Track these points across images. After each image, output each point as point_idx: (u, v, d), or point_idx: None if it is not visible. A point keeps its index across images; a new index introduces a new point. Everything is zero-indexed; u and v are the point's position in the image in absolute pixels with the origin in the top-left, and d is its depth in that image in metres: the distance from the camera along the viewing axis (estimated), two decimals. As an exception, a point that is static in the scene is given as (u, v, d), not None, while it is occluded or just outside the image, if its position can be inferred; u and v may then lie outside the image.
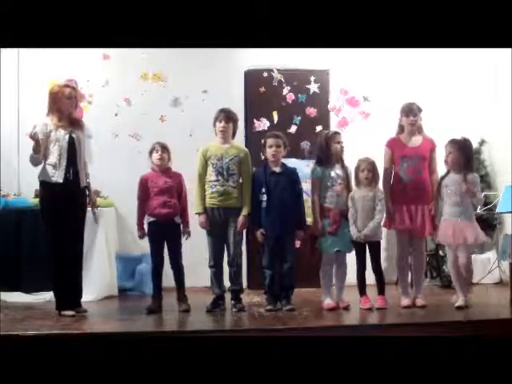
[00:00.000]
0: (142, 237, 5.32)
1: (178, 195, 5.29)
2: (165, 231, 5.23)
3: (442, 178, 5.21)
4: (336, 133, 5.44)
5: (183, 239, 5.31)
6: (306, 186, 5.66)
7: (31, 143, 4.81)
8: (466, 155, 5.15)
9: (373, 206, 5.19)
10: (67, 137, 4.98)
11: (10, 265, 5.78)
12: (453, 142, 5.20)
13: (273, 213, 5.17)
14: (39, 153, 4.88)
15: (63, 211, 4.91)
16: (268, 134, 5.47)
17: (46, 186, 5.00)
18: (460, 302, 5.13)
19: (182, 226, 5.30)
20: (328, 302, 5.23)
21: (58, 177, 4.94)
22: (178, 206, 5.26)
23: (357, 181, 5.28)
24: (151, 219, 5.25)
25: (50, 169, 4.96)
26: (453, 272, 5.23)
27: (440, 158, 5.37)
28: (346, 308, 5.17)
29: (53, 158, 4.95)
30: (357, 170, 5.26)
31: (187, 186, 5.37)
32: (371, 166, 5.23)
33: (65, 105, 5.00)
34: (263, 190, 5.20)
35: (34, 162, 4.96)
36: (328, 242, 5.20)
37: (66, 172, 4.94)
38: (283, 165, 5.31)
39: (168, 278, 5.32)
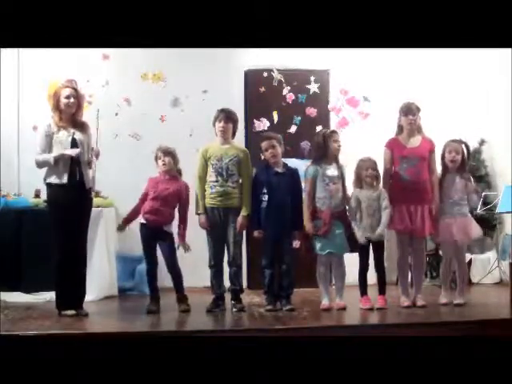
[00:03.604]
0: (120, 229, 5.33)
1: (179, 204, 5.26)
2: (155, 236, 5.22)
3: (442, 178, 5.30)
4: (334, 131, 5.43)
5: (182, 252, 5.26)
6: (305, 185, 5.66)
7: (32, 143, 4.82)
8: (464, 156, 5.33)
9: (377, 206, 5.18)
10: (70, 139, 4.98)
11: (9, 265, 5.78)
12: (460, 142, 5.35)
13: (274, 213, 5.17)
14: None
15: (69, 212, 4.92)
16: (261, 137, 5.46)
17: (51, 187, 5.02)
18: (444, 299, 5.34)
19: (177, 236, 5.24)
20: (324, 302, 5.23)
21: (62, 178, 4.95)
22: (172, 215, 5.21)
23: (358, 181, 5.26)
24: (142, 221, 5.25)
25: (54, 170, 4.97)
26: (445, 270, 5.39)
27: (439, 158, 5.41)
28: (342, 309, 5.16)
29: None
30: (359, 169, 5.25)
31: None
32: (375, 165, 5.24)
33: (64, 105, 5.00)
34: (264, 190, 5.20)
35: (42, 166, 4.99)
36: (320, 243, 5.19)
37: (70, 173, 4.95)
38: (285, 165, 5.31)
39: (168, 277, 5.32)
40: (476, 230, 5.31)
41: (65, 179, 4.95)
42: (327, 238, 5.17)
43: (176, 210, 5.28)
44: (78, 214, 5.00)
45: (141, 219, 5.26)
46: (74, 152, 4.91)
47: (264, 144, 5.27)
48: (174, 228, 5.27)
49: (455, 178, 5.27)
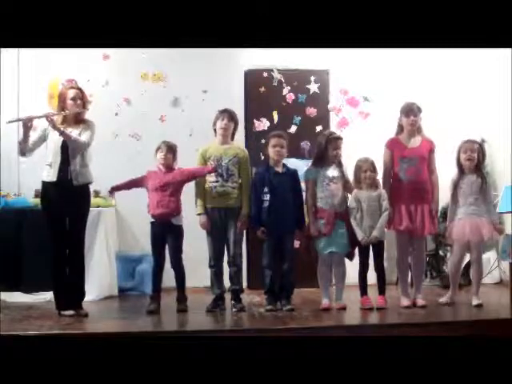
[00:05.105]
0: (110, 192, 5.48)
1: (179, 187, 5.23)
2: (164, 232, 5.22)
3: (458, 179, 5.27)
4: (339, 138, 5.35)
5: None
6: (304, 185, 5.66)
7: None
8: (480, 155, 5.31)
9: (378, 206, 5.18)
10: (62, 139, 4.96)
11: (9, 265, 5.78)
12: (475, 141, 5.33)
13: (275, 212, 5.16)
14: (26, 142, 4.92)
15: (61, 210, 4.93)
16: (271, 133, 5.43)
17: (43, 185, 5.04)
18: (445, 298, 5.31)
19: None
20: (324, 302, 5.23)
21: (52, 176, 4.95)
22: (177, 206, 5.21)
23: (357, 182, 5.26)
24: (152, 219, 5.26)
25: (47, 168, 4.98)
26: (453, 271, 5.35)
27: (440, 158, 5.41)
28: (341, 309, 5.16)
29: (48, 158, 4.98)
30: (358, 170, 5.25)
31: (187, 185, 5.35)
32: (373, 166, 5.24)
33: (69, 106, 5.00)
34: (266, 190, 5.19)
35: (20, 151, 5.01)
36: (322, 243, 5.19)
37: (60, 171, 4.94)
38: (284, 165, 5.31)
39: (168, 277, 5.32)
40: (488, 231, 5.19)
41: (54, 177, 4.94)
42: (330, 238, 5.17)
43: (181, 200, 5.26)
44: (70, 212, 4.98)
45: (151, 219, 5.26)
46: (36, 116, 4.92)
47: (274, 140, 5.25)
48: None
49: (472, 179, 5.22)
